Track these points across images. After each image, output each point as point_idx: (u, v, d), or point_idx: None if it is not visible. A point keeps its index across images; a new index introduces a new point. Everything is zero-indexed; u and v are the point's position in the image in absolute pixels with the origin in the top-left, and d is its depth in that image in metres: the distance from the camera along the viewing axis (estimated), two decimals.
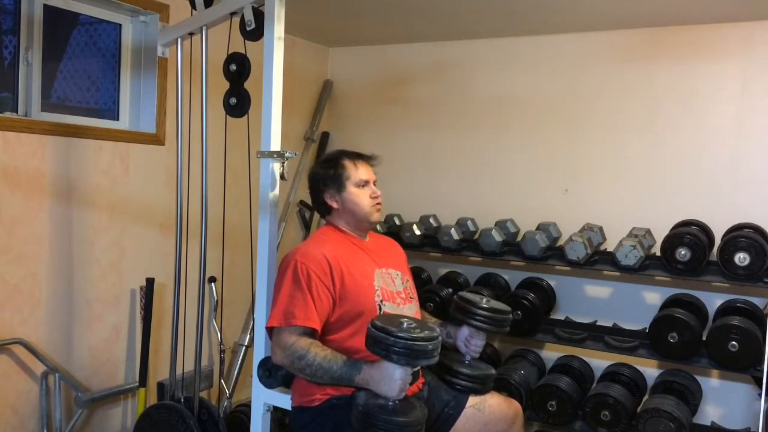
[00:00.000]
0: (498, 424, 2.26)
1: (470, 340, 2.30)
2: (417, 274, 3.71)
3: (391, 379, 1.87)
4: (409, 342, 1.81)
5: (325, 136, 4.27)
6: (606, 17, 3.25)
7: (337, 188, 2.24)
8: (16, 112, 2.82)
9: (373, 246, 2.33)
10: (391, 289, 2.23)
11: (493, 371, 2.35)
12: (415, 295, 2.37)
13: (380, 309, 2.15)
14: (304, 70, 4.12)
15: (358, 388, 1.97)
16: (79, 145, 2.91)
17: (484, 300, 2.30)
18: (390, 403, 1.89)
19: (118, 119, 3.24)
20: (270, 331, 2.12)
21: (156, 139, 3.22)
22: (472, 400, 2.25)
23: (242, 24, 2.39)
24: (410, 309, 2.26)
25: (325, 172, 2.27)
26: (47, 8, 2.87)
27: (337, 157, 2.29)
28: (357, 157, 2.30)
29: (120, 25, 3.20)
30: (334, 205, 2.26)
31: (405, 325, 1.86)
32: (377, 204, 2.27)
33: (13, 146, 2.67)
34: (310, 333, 2.06)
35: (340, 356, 2.00)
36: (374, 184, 2.29)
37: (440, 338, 1.91)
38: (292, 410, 2.21)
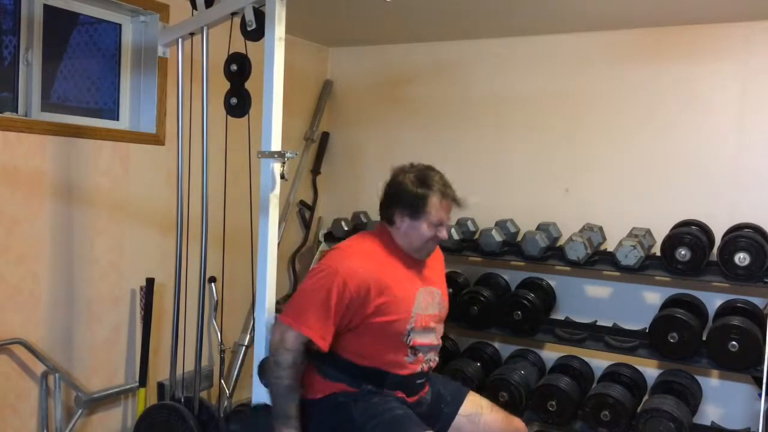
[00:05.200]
0: None
1: None
2: None
3: None
4: None
5: (325, 136, 4.26)
6: (606, 17, 3.25)
7: (411, 215, 2.12)
8: (16, 112, 2.82)
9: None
10: (429, 312, 2.16)
11: None
12: (446, 312, 2.29)
13: (408, 336, 2.09)
14: (304, 70, 4.12)
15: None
16: (79, 145, 2.91)
17: None
18: None
19: (118, 119, 3.24)
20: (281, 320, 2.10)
21: (156, 139, 3.22)
22: (467, 408, 2.24)
23: (243, 24, 2.39)
24: (437, 333, 2.21)
25: (412, 193, 2.12)
26: (47, 8, 2.87)
27: (431, 186, 2.12)
28: (450, 198, 2.16)
29: (120, 25, 3.20)
30: (398, 223, 2.16)
31: None
32: (433, 245, 2.20)
33: (13, 146, 2.67)
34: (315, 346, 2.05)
35: (294, 401, 2.05)
36: (444, 226, 2.18)
37: None
38: None
